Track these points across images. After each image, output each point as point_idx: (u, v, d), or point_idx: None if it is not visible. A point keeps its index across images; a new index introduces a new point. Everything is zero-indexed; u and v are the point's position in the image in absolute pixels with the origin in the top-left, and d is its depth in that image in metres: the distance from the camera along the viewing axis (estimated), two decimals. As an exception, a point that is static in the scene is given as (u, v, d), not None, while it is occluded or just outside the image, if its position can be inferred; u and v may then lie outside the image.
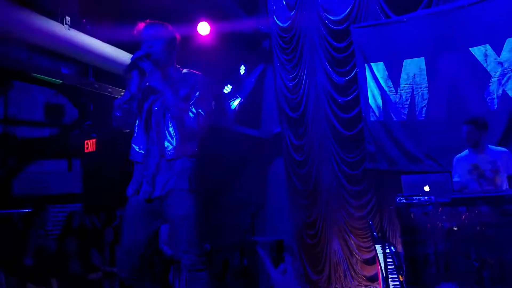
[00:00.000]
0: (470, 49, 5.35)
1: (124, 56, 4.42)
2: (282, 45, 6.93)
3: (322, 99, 6.57)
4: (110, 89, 4.34)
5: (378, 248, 4.42)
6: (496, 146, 4.34)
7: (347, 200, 6.19)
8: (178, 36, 2.65)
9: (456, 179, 4.16)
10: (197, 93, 2.46)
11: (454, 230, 3.47)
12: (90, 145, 5.50)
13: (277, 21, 6.97)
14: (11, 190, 6.34)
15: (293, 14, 6.81)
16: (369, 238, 5.64)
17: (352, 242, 6.05)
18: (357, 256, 5.98)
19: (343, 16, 6.35)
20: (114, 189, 6.20)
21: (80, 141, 5.88)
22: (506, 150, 4.13)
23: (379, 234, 5.04)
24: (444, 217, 3.55)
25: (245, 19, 6.48)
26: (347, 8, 6.31)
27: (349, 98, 6.32)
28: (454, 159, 4.27)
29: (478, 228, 3.44)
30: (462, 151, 4.27)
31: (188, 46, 5.85)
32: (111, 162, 5.91)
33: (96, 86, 4.30)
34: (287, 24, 6.87)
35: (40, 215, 5.08)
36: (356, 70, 6.17)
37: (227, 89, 6.29)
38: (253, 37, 6.92)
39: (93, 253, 5.11)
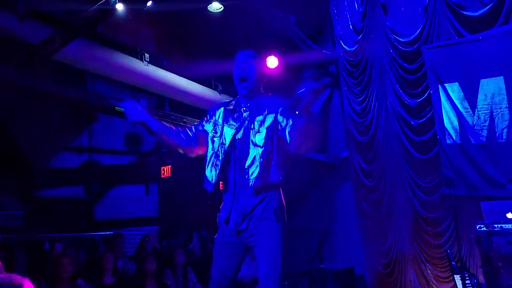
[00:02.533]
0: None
1: (196, 89, 4.78)
2: (349, 68, 7.00)
3: (393, 122, 6.50)
4: (185, 120, 4.67)
5: (457, 278, 4.24)
6: None
7: (423, 228, 5.99)
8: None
9: None
10: (281, 109, 2.45)
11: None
12: (166, 171, 5.91)
13: (344, 46, 7.08)
14: (94, 214, 6.88)
15: (360, 38, 6.89)
16: (447, 268, 5.39)
17: (429, 272, 5.81)
18: (434, 287, 5.72)
19: (413, 37, 6.31)
20: (189, 212, 6.58)
21: (156, 168, 6.32)
22: None
23: (458, 264, 4.81)
24: (530, 246, 3.35)
25: (311, 46, 6.68)
26: (417, 29, 6.27)
27: (423, 120, 6.21)
28: None
29: None
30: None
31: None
32: (186, 186, 6.27)
33: (173, 117, 4.67)
34: (354, 47, 6.96)
35: (117, 238, 5.51)
36: (429, 92, 6.05)
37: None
38: (320, 63, 7.07)
39: (166, 273, 5.40)
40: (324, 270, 6.07)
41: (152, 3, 4.05)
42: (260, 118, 2.45)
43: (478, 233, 3.67)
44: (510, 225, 3.58)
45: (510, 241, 3.53)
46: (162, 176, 6.24)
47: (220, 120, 2.56)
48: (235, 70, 2.53)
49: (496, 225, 3.60)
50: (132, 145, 6.88)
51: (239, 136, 2.46)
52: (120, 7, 3.92)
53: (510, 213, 3.73)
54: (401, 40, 6.44)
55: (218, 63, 5.60)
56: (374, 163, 6.67)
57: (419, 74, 6.23)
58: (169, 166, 5.94)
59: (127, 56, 4.56)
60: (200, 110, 5.06)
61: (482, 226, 3.67)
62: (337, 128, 7.19)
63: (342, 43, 7.09)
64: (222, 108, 2.62)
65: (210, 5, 4.73)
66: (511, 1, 5.51)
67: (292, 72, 6.29)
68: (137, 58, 4.64)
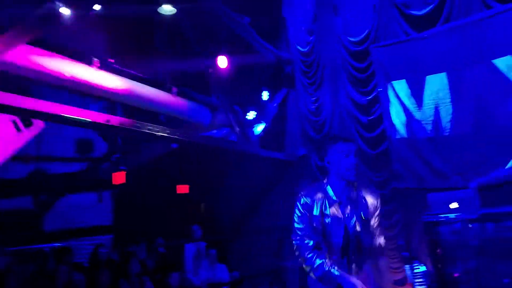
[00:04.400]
0: (492, 61, 5.48)
1: (149, 92, 4.80)
2: (304, 69, 7.24)
3: (346, 119, 6.79)
4: (150, 127, 4.61)
5: (408, 268, 4.52)
6: None
7: (377, 221, 6.29)
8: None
9: None
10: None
11: (484, 247, 3.54)
12: (120, 177, 5.86)
13: (298, 47, 7.30)
14: (43, 225, 6.72)
15: (312, 39, 7.14)
16: (399, 259, 5.72)
17: (383, 264, 6.11)
18: (387, 278, 6.03)
19: (362, 37, 6.62)
20: (145, 219, 6.55)
21: (109, 174, 6.25)
22: None
23: (409, 254, 5.12)
24: (473, 234, 3.62)
25: (266, 47, 6.86)
26: (366, 29, 6.57)
27: (373, 117, 6.52)
28: None
29: (508, 244, 3.50)
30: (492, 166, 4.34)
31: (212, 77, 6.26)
32: (141, 193, 6.24)
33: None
34: (307, 48, 7.20)
35: (68, 250, 5.41)
36: (378, 89, 6.36)
37: (251, 115, 6.61)
38: (276, 64, 7.26)
39: (122, 283, 5.36)
40: (285, 268, 6.26)
41: (101, 7, 4.04)
42: None
43: (425, 224, 3.93)
44: (454, 215, 3.86)
45: (455, 229, 3.81)
46: (116, 183, 6.17)
47: None
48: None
49: (441, 215, 3.87)
50: (83, 152, 6.78)
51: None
52: (65, 11, 3.88)
53: (454, 203, 4.02)
54: (352, 39, 6.74)
55: (173, 65, 5.66)
56: (329, 160, 6.92)
57: (369, 73, 6.55)
58: (123, 172, 5.90)
59: (75, 62, 4.51)
60: (154, 114, 5.07)
61: (428, 216, 3.93)
62: (294, 127, 7.41)
63: (295, 44, 7.31)
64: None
65: (161, 7, 4.78)
66: (453, 0, 5.91)
67: (248, 70, 6.44)
68: (85, 63, 4.60)
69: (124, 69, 4.54)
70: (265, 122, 6.82)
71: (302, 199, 2.59)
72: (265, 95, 6.83)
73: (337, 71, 6.90)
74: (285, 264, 6.21)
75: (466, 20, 5.70)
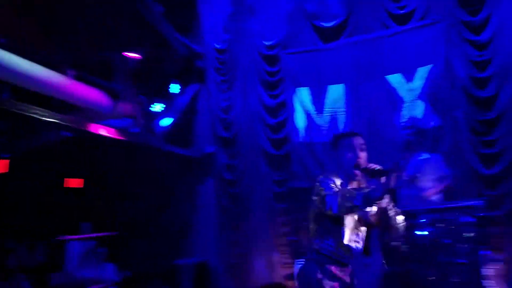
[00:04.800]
0: (386, 77, 5.96)
1: (41, 73, 4.59)
2: (218, 66, 7.35)
3: (255, 120, 7.00)
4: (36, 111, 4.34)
5: (298, 263, 4.79)
6: None
7: (275, 218, 6.58)
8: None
9: None
10: None
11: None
12: (1, 166, 5.37)
13: (214, 44, 7.38)
14: None
15: (228, 37, 7.26)
16: (291, 254, 6.04)
17: (276, 259, 6.42)
18: (279, 272, 6.35)
19: (275, 42, 6.89)
20: (28, 212, 6.15)
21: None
22: None
23: (300, 250, 5.41)
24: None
25: (179, 39, 6.87)
26: (279, 34, 6.84)
27: (279, 120, 6.81)
28: None
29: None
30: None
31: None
32: (27, 184, 5.85)
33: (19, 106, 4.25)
34: (222, 46, 7.31)
35: None
36: (285, 94, 6.65)
37: (158, 107, 6.58)
38: (188, 58, 7.29)
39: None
40: (179, 266, 6.32)
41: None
42: None
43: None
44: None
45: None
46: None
47: None
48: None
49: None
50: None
51: None
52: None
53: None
54: (265, 43, 6.98)
55: (75, 48, 5.48)
56: (237, 158, 7.12)
57: (278, 77, 6.84)
58: (7, 161, 5.44)
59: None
60: (47, 98, 4.85)
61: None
62: (204, 123, 7.49)
63: (210, 40, 7.39)
64: None
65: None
66: (358, 16, 6.33)
67: (158, 63, 6.41)
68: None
69: (16, 46, 4.31)
70: (173, 116, 6.82)
71: None
72: (174, 88, 6.81)
73: (250, 72, 7.10)
74: (180, 263, 6.28)
75: (366, 36, 6.14)
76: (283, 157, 6.70)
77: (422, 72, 5.75)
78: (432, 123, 5.62)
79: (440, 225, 4.06)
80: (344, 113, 6.15)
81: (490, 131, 5.35)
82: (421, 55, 5.79)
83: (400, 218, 2.79)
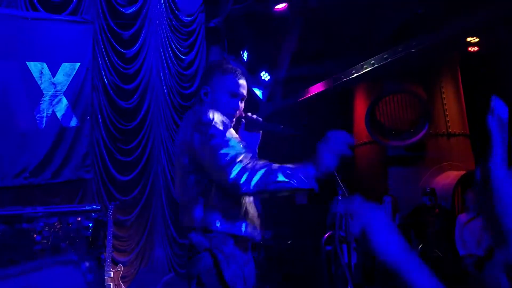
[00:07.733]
0: (27, 62, 5.35)
1: None
2: None
3: None
4: None
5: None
6: None
7: None
8: None
9: None
10: None
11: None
12: None
13: None
14: None
15: None
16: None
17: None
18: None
19: None
20: None
21: None
22: None
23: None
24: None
25: None
26: None
27: None
28: None
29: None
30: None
31: None
32: None
33: None
34: None
35: None
36: None
37: None
38: None
39: None
40: None
41: None
42: None
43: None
44: None
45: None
46: None
47: None
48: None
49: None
50: None
51: None
52: None
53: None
54: None
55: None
56: None
57: None
58: None
59: None
60: None
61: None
62: None
63: None
64: None
65: None
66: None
67: None
68: None
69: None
70: None
71: None
72: None
73: None
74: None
75: (10, 11, 5.34)
76: None
77: (67, 69, 5.51)
78: (73, 123, 5.43)
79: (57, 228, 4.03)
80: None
81: (128, 140, 5.67)
82: (67, 50, 5.55)
83: None
